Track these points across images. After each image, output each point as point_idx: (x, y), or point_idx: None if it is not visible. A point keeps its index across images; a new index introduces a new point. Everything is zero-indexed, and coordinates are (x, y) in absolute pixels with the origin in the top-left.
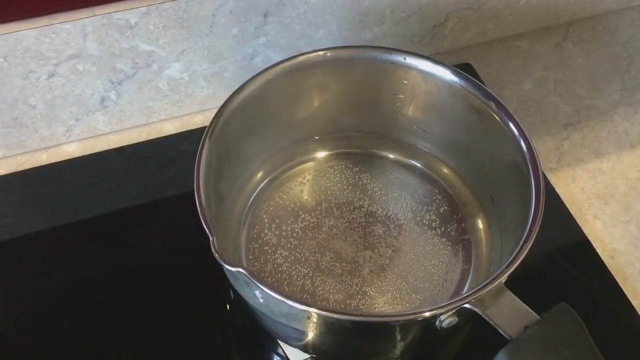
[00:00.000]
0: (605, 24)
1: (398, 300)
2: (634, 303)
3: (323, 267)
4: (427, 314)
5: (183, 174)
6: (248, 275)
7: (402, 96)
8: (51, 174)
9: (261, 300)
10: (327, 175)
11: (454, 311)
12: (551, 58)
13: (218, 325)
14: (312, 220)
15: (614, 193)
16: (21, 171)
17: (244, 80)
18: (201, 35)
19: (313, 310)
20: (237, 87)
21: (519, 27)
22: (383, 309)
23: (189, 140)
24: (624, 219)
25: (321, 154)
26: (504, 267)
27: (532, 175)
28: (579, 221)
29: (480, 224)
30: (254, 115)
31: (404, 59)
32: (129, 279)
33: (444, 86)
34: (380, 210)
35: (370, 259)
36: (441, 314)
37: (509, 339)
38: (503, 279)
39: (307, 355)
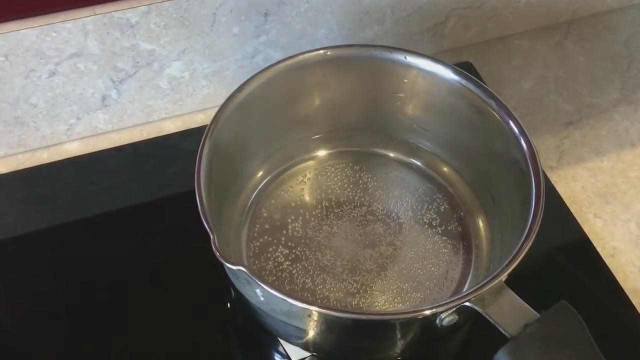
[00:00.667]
0: (605, 22)
1: (398, 298)
2: (634, 301)
3: (324, 265)
4: (428, 312)
5: (184, 172)
6: (249, 274)
7: (402, 95)
8: (52, 173)
9: (262, 299)
10: (328, 173)
11: (454, 309)
12: (552, 57)
13: (219, 323)
14: (312, 219)
15: (614, 191)
16: (22, 170)
17: (244, 79)
18: (202, 34)
19: (314, 308)
20: (237, 86)
21: (520, 25)
22: (383, 307)
23: (190, 139)
24: (624, 217)
25: (322, 153)
26: (504, 265)
27: (532, 173)
28: (579, 220)
29: (480, 222)
30: (254, 114)
31: (405, 57)
32: (130, 277)
33: (444, 85)
34: (380, 208)
35: (370, 257)
36: (441, 312)
37: (509, 337)
38: (503, 277)
39: (307, 354)
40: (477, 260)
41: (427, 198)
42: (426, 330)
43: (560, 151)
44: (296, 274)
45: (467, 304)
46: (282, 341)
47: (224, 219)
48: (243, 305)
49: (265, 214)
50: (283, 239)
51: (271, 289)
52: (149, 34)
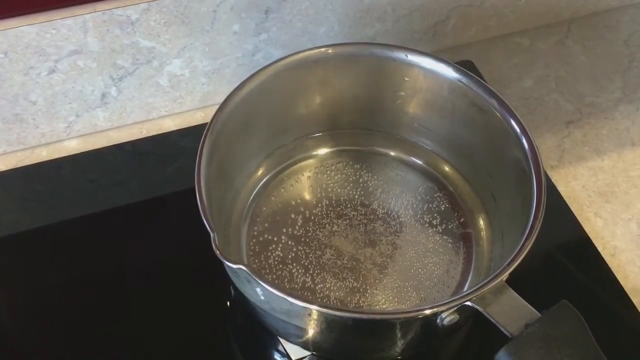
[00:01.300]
0: (606, 21)
1: (399, 297)
2: (635, 301)
3: (324, 264)
4: (428, 312)
5: (183, 170)
6: (249, 272)
7: (403, 93)
8: (51, 170)
9: (262, 297)
10: (328, 172)
11: (455, 309)
12: (552, 55)
13: (218, 322)
14: (312, 218)
15: (615, 191)
16: (21, 167)
17: (244, 77)
18: (202, 31)
19: (314, 307)
20: (238, 84)
21: (521, 24)
22: (384, 306)
23: (190, 136)
24: (625, 216)
25: (322, 151)
26: (505, 264)
27: (533, 172)
28: (579, 219)
29: (481, 221)
30: (255, 112)
31: (406, 55)
32: (130, 275)
33: (445, 83)
34: (381, 207)
35: (371, 256)
36: (442, 311)
37: (510, 336)
38: (504, 276)
39: (307, 353)
40: (477, 259)
41: (428, 197)
42: (427, 330)
43: (561, 150)
44: (296, 273)
45: (468, 303)
46: (282, 340)
47: (224, 218)
48: (243, 304)
49: (265, 213)
50: (283, 237)
51: (271, 287)
52: (149, 31)
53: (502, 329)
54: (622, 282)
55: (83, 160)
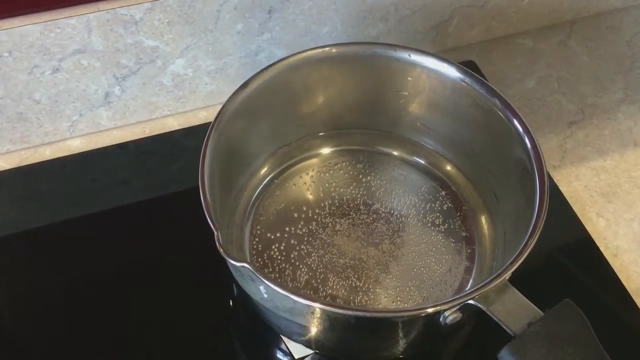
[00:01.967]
0: (609, 22)
1: (401, 296)
2: (637, 301)
3: (327, 263)
4: (431, 310)
5: (187, 169)
6: (252, 271)
7: (406, 93)
8: (54, 169)
9: (265, 296)
10: (331, 171)
11: (458, 307)
12: (555, 56)
13: (221, 320)
14: (315, 217)
15: (617, 191)
16: (25, 166)
17: (248, 77)
18: (205, 31)
19: (317, 305)
20: (241, 84)
21: (523, 25)
22: (386, 304)
23: (193, 136)
24: (627, 216)
25: (325, 151)
26: (508, 263)
27: (536, 172)
28: (582, 219)
29: (483, 220)
30: (258, 112)
31: (409, 55)
32: (133, 274)
33: (448, 83)
34: (383, 207)
35: (373, 255)
36: (445, 310)
37: (512, 335)
38: (507, 275)
39: (310, 351)
40: (480, 258)
41: (430, 196)
42: (429, 329)
43: (563, 150)
44: (299, 272)
45: (471, 302)
46: (284, 338)
47: (228, 216)
48: (246, 303)
49: (268, 211)
50: (286, 236)
51: (274, 285)
52: (152, 31)
53: (504, 328)
54: (624, 283)
55: (86, 159)
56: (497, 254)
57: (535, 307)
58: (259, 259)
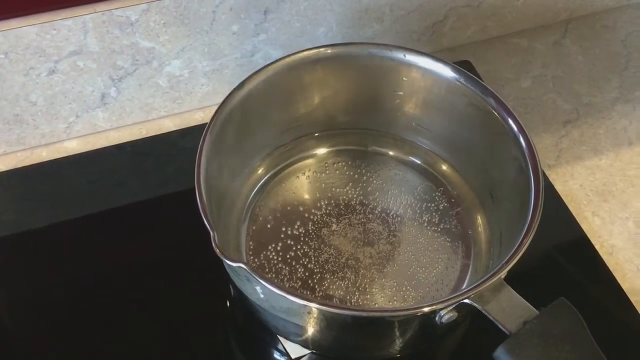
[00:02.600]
0: (603, 21)
1: (398, 295)
2: (632, 299)
3: (323, 263)
4: (427, 309)
5: (183, 170)
6: (249, 271)
7: (401, 93)
8: (51, 171)
9: (261, 296)
10: (327, 171)
11: (453, 306)
12: (550, 55)
13: (218, 320)
14: (312, 217)
15: (612, 190)
16: (21, 167)
17: (244, 77)
18: (201, 32)
19: (313, 305)
20: (237, 84)
21: (518, 24)
22: (383, 304)
23: (189, 137)
24: (622, 215)
25: (321, 151)
26: (503, 262)
27: (531, 171)
28: (577, 218)
29: (479, 220)
30: (254, 112)
31: (404, 55)
32: (130, 275)
33: (443, 83)
34: (379, 206)
35: (370, 255)
36: (441, 309)
37: (508, 334)
38: (502, 274)
39: (307, 351)
40: (476, 258)
41: (426, 196)
42: (425, 328)
43: (559, 149)
44: (295, 272)
45: (466, 301)
46: (281, 339)
47: (224, 217)
48: (242, 303)
49: (264, 212)
50: (282, 236)
51: (271, 285)
52: (148, 32)
53: (500, 327)
54: (619, 281)
55: (83, 160)
56: (492, 253)
57: (531, 306)
58: (256, 259)
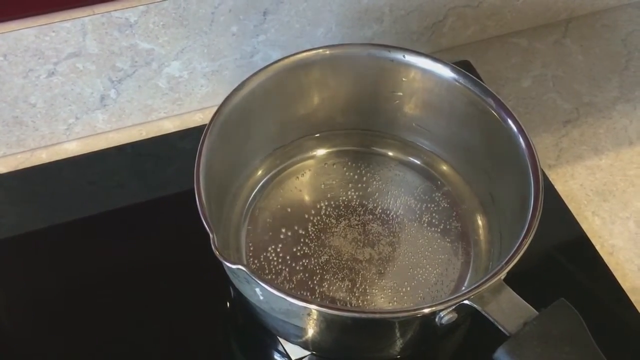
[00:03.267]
0: (604, 20)
1: (398, 296)
2: (633, 299)
3: (323, 264)
4: (427, 310)
5: (183, 172)
6: (248, 273)
7: (401, 94)
8: (51, 173)
9: (261, 298)
10: (327, 172)
11: (453, 307)
12: (550, 55)
13: (218, 322)
14: (311, 218)
15: (612, 190)
16: (21, 169)
17: (243, 79)
18: (201, 33)
19: (313, 307)
20: (236, 85)
21: (518, 24)
22: (383, 305)
23: (189, 138)
24: (622, 215)
25: (321, 152)
26: (503, 263)
27: (531, 171)
28: (577, 218)
29: (479, 220)
30: (253, 113)
31: (403, 56)
32: (129, 277)
33: (443, 83)
34: (379, 207)
35: (370, 256)
36: (441, 310)
37: (508, 335)
38: (502, 275)
39: (307, 352)
40: (476, 258)
41: (426, 197)
42: (425, 329)
43: (559, 149)
44: (295, 273)
45: (466, 302)
46: (281, 340)
47: (223, 218)
48: (242, 305)
49: (264, 213)
50: (282, 237)
51: (270, 287)
52: (147, 34)
53: (500, 328)
54: (620, 281)
55: (83, 162)
56: (492, 254)
57: (531, 307)
58: (255, 261)
